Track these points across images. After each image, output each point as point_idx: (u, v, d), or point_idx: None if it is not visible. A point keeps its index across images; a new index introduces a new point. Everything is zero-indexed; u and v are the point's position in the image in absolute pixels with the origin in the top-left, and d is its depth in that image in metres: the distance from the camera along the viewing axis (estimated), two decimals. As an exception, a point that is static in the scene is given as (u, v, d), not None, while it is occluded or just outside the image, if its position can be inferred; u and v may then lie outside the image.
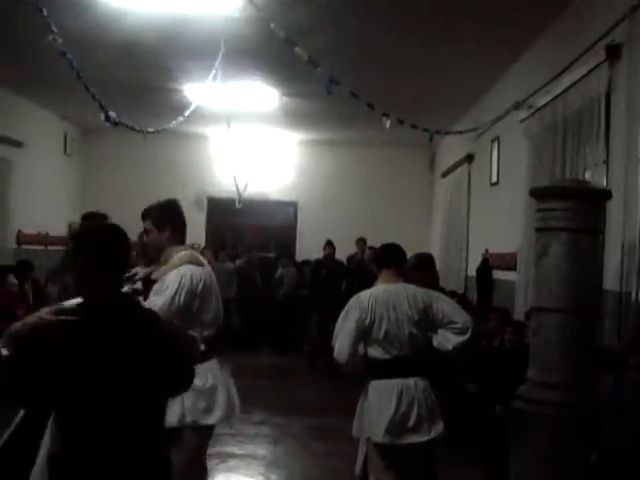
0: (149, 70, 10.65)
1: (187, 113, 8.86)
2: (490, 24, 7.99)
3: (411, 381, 5.10)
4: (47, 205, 14.31)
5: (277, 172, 16.89)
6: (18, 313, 10.65)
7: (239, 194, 12.16)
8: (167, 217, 4.95)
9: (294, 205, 17.17)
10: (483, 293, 10.18)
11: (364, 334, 5.13)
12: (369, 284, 5.56)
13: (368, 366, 5.18)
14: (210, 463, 7.28)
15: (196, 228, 15.92)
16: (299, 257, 16.21)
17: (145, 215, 4.99)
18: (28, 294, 11.90)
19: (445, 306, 5.28)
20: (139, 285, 4.88)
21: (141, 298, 4.61)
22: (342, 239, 14.38)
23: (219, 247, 16.41)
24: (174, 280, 4.64)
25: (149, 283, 4.78)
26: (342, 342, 5.13)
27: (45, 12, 4.61)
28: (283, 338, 14.31)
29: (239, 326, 14.75)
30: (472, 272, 11.07)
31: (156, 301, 4.52)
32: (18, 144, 12.98)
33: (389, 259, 5.48)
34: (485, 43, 8.62)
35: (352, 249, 14.21)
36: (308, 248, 15.87)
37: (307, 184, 16.81)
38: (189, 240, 12.59)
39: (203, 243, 16.35)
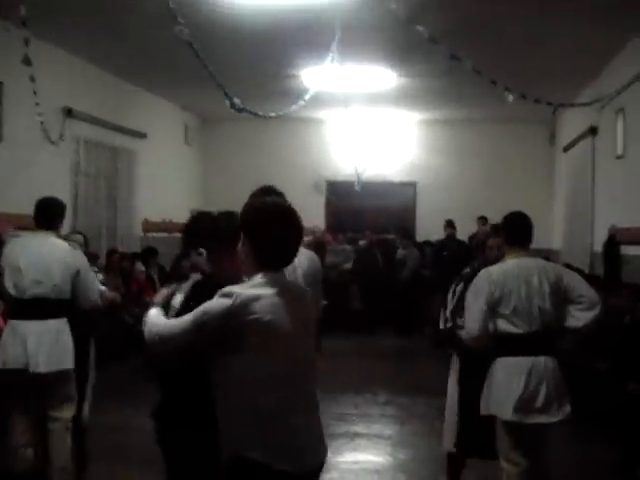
0: (267, 57, 10.77)
1: (307, 97, 8.91)
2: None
3: (541, 359, 4.98)
4: (170, 193, 14.65)
5: (395, 153, 16.82)
6: (147, 299, 10.99)
7: (358, 177, 12.23)
8: None
9: (413, 186, 17.08)
10: (611, 269, 9.94)
11: (494, 309, 5.02)
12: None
13: (496, 343, 5.06)
14: (337, 442, 7.41)
15: (315, 211, 16.07)
16: (419, 238, 16.15)
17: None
18: (155, 280, 12.25)
19: (574, 280, 5.13)
20: None
21: None
22: (463, 219, 14.28)
23: (338, 230, 16.53)
24: None
25: None
26: (473, 318, 5.07)
27: (171, 4, 4.70)
28: (405, 320, 14.28)
29: (360, 308, 14.84)
30: (598, 248, 10.82)
31: None
32: (142, 135, 13.34)
33: (516, 234, 5.31)
34: (607, 11, 8.37)
35: (473, 228, 14.07)
36: (428, 229, 15.81)
37: (425, 164, 16.70)
38: (308, 223, 12.81)
39: (323, 226, 16.49)
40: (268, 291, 3.22)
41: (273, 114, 8.33)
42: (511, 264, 5.13)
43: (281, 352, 3.23)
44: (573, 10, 8.38)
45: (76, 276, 6.04)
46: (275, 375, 3.22)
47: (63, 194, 10.55)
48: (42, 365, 5.91)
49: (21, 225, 8.73)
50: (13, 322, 6.00)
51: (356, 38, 9.04)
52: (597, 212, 11.73)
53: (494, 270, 5.13)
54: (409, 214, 17.03)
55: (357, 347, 12.64)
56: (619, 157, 10.39)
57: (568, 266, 10.46)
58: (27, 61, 5.75)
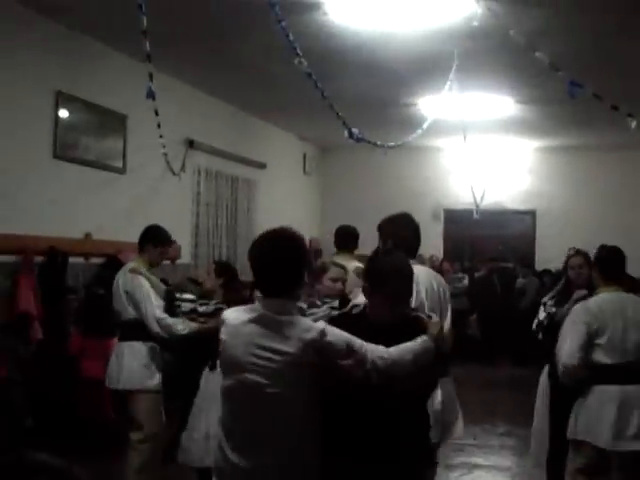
0: (384, 86, 10.80)
1: (425, 126, 8.89)
2: None
3: (632, 388, 5.13)
4: (288, 222, 14.62)
5: (513, 181, 16.62)
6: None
7: (476, 205, 12.10)
8: (390, 231, 4.99)
9: (532, 213, 16.81)
10: None
11: (591, 340, 5.17)
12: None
13: (590, 371, 5.19)
14: (454, 474, 7.32)
15: (434, 240, 15.97)
16: (539, 266, 15.86)
17: (379, 229, 5.07)
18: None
19: None
20: None
21: None
22: (584, 247, 13.91)
23: (456, 258, 16.40)
24: None
25: None
26: (572, 346, 5.19)
27: (291, 37, 4.76)
28: (523, 349, 14.01)
29: (479, 337, 14.66)
30: None
31: None
32: (261, 165, 13.54)
33: (613, 269, 5.49)
34: None
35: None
36: (548, 257, 15.48)
37: (545, 192, 16.43)
38: (427, 252, 12.62)
39: (441, 255, 16.38)
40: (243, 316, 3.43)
41: (392, 144, 8.33)
42: (608, 297, 5.33)
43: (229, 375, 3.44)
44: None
45: (129, 299, 6.29)
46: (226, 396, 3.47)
47: (184, 224, 10.87)
48: (114, 382, 6.39)
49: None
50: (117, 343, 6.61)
51: (474, 65, 8.99)
52: None
53: (592, 303, 5.33)
54: (528, 242, 16.75)
55: (475, 377, 12.46)
56: None
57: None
58: (151, 95, 5.90)
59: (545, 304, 6.15)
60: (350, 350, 3.31)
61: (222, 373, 3.47)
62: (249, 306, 3.49)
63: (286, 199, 14.92)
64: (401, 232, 5.00)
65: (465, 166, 12.48)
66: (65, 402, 7.55)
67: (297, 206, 15.61)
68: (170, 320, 6.20)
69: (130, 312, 6.31)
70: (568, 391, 5.40)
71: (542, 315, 6.01)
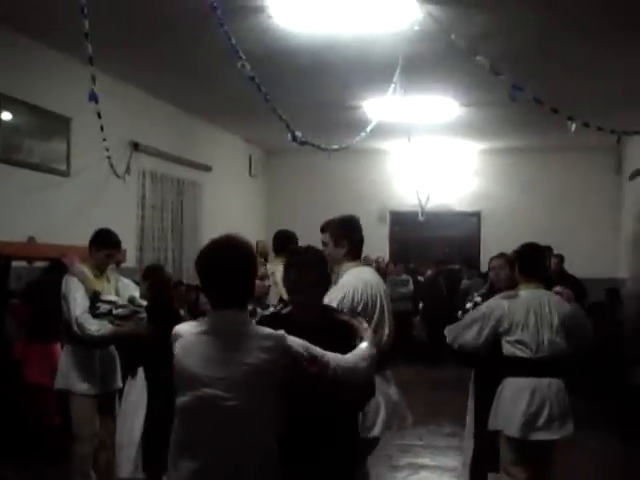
0: (329, 89, 10.86)
1: (369, 129, 8.94)
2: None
3: (545, 381, 5.41)
4: (235, 225, 14.68)
5: (458, 183, 16.77)
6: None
7: (421, 207, 12.17)
8: (345, 232, 5.03)
9: (477, 215, 16.98)
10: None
11: (499, 336, 5.49)
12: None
13: (504, 364, 5.50)
14: (401, 474, 7.38)
15: (379, 242, 16.07)
16: (484, 268, 16.00)
17: (325, 228, 5.10)
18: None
19: (580, 325, 5.69)
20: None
21: None
22: (527, 248, 14.10)
23: (401, 260, 16.49)
24: (334, 297, 4.59)
25: None
26: (471, 335, 5.62)
27: (233, 40, 4.77)
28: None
29: (424, 338, 14.77)
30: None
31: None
32: (207, 168, 13.51)
33: (531, 267, 5.69)
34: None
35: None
36: (493, 258, 15.65)
37: (489, 194, 16.62)
38: (374, 254, 12.68)
39: (387, 257, 16.47)
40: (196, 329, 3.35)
41: (336, 147, 8.37)
42: (523, 296, 5.55)
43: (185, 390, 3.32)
44: (637, 36, 8.29)
45: (63, 301, 6.32)
46: (183, 412, 3.34)
47: (129, 227, 10.79)
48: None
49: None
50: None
51: (418, 68, 9.05)
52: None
53: (506, 303, 5.54)
54: (473, 244, 16.92)
55: (421, 378, 12.56)
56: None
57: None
58: (94, 98, 5.87)
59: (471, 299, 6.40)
60: (312, 356, 3.28)
61: (177, 389, 3.34)
62: (201, 319, 3.38)
63: (232, 201, 14.90)
64: (357, 235, 5.11)
65: (410, 168, 12.56)
66: (6, 407, 7.46)
67: (243, 209, 15.60)
68: (84, 320, 6.16)
69: (65, 314, 6.30)
70: (490, 388, 5.64)
71: (468, 305, 6.19)
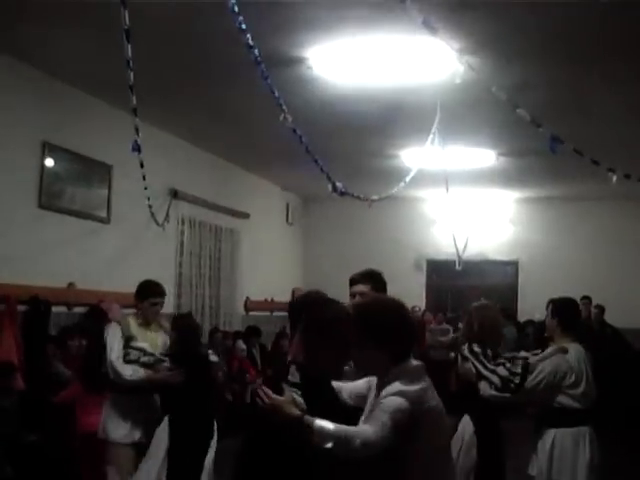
0: (367, 138, 10.93)
1: (408, 178, 8.98)
2: None
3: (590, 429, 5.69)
4: (272, 272, 14.80)
5: (495, 232, 16.73)
6: (249, 377, 11.08)
7: (459, 255, 12.15)
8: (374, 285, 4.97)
9: (514, 264, 16.89)
10: None
11: (560, 387, 5.62)
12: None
13: (558, 414, 5.66)
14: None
15: (416, 290, 16.04)
16: (522, 317, 15.88)
17: (355, 281, 5.06)
18: (256, 359, 12.33)
19: None
20: None
21: None
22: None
23: (438, 309, 16.40)
24: None
25: None
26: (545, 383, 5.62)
27: (276, 93, 4.83)
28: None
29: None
30: None
31: None
32: (245, 215, 13.59)
33: (574, 320, 5.99)
34: None
35: (578, 308, 13.80)
36: (531, 307, 15.52)
37: (527, 242, 16.53)
38: (410, 303, 12.63)
39: (423, 305, 16.40)
40: (419, 381, 3.42)
41: (375, 197, 8.40)
42: (576, 351, 5.74)
43: (445, 436, 3.54)
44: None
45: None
46: (443, 458, 3.48)
47: (168, 273, 10.86)
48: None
49: (128, 305, 8.96)
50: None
51: (457, 118, 9.11)
52: None
53: (570, 359, 5.68)
54: (511, 292, 16.78)
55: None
56: None
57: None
58: (137, 149, 5.96)
59: (500, 363, 5.85)
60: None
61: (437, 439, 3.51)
62: (406, 375, 3.43)
63: (269, 249, 14.95)
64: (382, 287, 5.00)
65: (447, 216, 12.56)
66: (61, 456, 7.39)
67: (280, 256, 15.64)
68: (118, 364, 6.25)
69: (105, 360, 6.36)
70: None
71: (505, 372, 5.71)
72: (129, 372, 6.21)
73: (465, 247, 12.44)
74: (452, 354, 14.99)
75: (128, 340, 6.34)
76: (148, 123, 9.70)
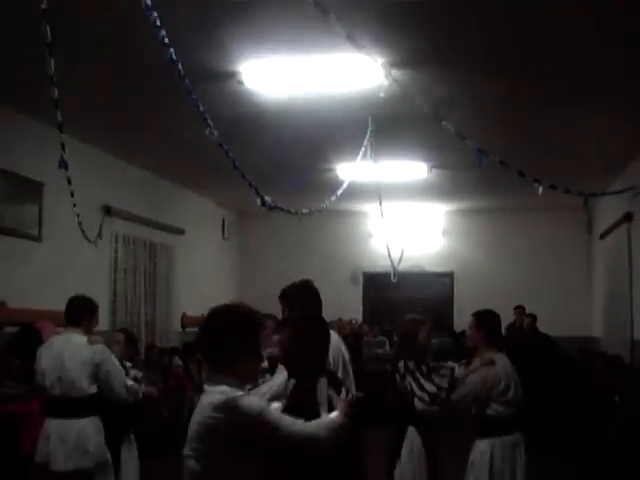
0: (301, 152, 10.96)
1: (339, 192, 9.04)
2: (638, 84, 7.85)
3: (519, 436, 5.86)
4: (208, 287, 14.74)
5: (430, 244, 16.90)
6: (188, 393, 11.02)
7: (394, 267, 12.23)
8: (299, 299, 5.00)
9: (450, 275, 17.07)
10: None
11: (490, 397, 5.76)
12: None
13: (491, 423, 5.80)
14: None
15: (353, 303, 16.12)
16: (458, 327, 16.03)
17: (282, 296, 5.11)
18: (194, 374, 12.25)
19: None
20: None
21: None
22: (500, 308, 14.14)
23: (375, 321, 16.47)
24: None
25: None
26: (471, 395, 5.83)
27: (201, 107, 4.83)
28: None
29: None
30: (638, 335, 10.70)
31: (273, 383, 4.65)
32: (180, 231, 13.54)
33: (497, 332, 6.27)
34: (636, 101, 8.45)
35: (511, 317, 14.02)
36: (466, 318, 15.64)
37: (461, 254, 16.73)
38: (347, 316, 12.68)
39: (360, 318, 16.48)
40: None
41: (305, 210, 8.43)
42: (502, 360, 5.92)
43: None
44: (603, 100, 8.46)
45: (96, 371, 6.19)
46: None
47: (102, 291, 10.75)
48: (59, 463, 6.05)
49: (61, 323, 8.86)
50: (47, 420, 6.18)
51: (388, 131, 9.18)
52: (635, 299, 11.61)
53: (499, 369, 5.84)
54: (447, 304, 16.95)
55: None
56: (655, 243, 10.35)
57: (604, 354, 10.48)
58: (64, 165, 5.90)
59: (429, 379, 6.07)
60: (263, 420, 3.28)
61: None
62: None
63: (205, 264, 14.92)
64: (308, 299, 5.07)
65: (383, 230, 12.66)
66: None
67: (216, 271, 15.61)
68: (132, 385, 6.37)
69: (91, 387, 6.24)
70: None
71: (433, 388, 5.94)
72: (141, 390, 6.33)
73: (400, 259, 12.54)
74: (388, 367, 15.15)
75: (120, 361, 6.41)
76: (79, 140, 9.66)
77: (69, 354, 6.25)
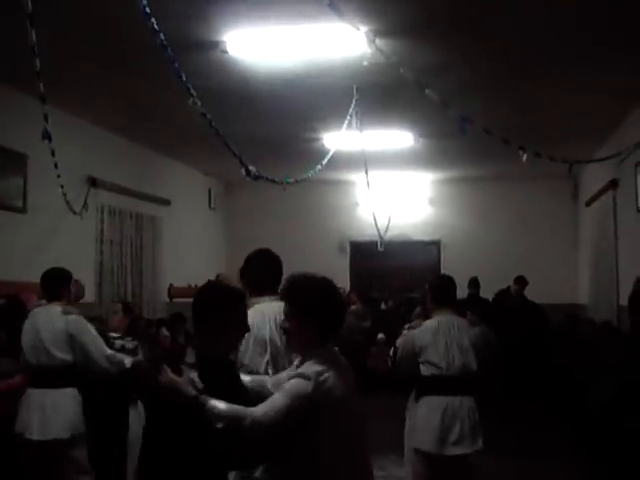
0: (287, 121, 10.91)
1: (325, 161, 9.02)
2: (625, 52, 7.83)
3: (457, 399, 5.94)
4: (195, 258, 14.73)
5: (417, 213, 16.90)
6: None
7: (381, 237, 12.26)
8: (245, 269, 4.91)
9: (437, 244, 17.10)
10: (637, 323, 9.84)
11: (416, 357, 6.04)
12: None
13: (421, 384, 6.08)
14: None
15: (340, 272, 16.09)
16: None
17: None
18: (182, 346, 12.24)
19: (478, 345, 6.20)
20: None
21: None
22: (486, 276, 14.24)
23: (363, 290, 16.51)
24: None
25: None
26: (401, 359, 6.18)
27: (184, 77, 4.80)
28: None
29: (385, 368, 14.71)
30: (624, 301, 10.74)
31: None
32: (166, 202, 13.50)
33: (442, 297, 6.33)
34: (621, 69, 8.44)
35: (498, 285, 14.09)
36: (453, 286, 15.73)
37: (447, 223, 16.75)
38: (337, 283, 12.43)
39: (348, 287, 16.51)
40: (333, 367, 3.42)
41: (290, 179, 8.41)
42: (434, 321, 6.17)
43: (351, 424, 3.47)
44: (588, 68, 8.45)
45: (71, 342, 6.19)
46: (349, 446, 3.46)
47: (88, 262, 10.73)
48: (35, 433, 6.07)
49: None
50: (27, 390, 6.28)
51: (373, 100, 9.16)
52: (621, 265, 11.67)
53: (417, 330, 6.19)
54: (433, 272, 16.92)
55: (382, 408, 12.51)
56: (640, 210, 10.37)
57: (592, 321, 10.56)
58: (47, 137, 5.86)
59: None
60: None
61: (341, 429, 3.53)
62: (322, 357, 3.49)
63: (192, 235, 14.89)
64: (253, 269, 4.91)
65: (369, 199, 12.65)
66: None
67: (203, 241, 15.59)
68: (115, 355, 6.35)
69: (66, 357, 6.24)
70: None
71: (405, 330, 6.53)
72: (127, 361, 6.29)
73: (387, 228, 12.58)
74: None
75: (103, 331, 6.39)
76: (64, 111, 9.59)
77: (43, 324, 6.32)
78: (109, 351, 6.39)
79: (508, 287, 14.14)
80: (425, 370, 6.04)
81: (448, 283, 6.49)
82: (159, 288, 13.26)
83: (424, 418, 5.96)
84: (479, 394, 6.16)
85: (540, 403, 11.66)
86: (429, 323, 6.18)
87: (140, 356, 6.70)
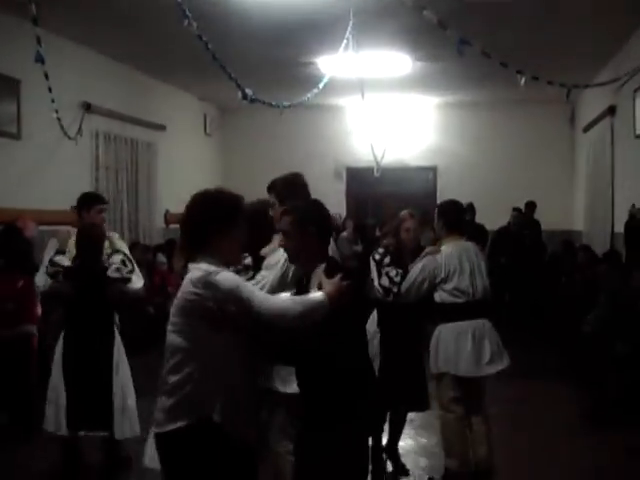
0: (282, 45, 10.78)
1: (321, 85, 8.93)
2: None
3: (480, 322, 5.96)
4: (191, 184, 14.48)
5: (414, 138, 16.79)
6: (170, 290, 11.06)
7: (377, 163, 12.21)
8: (290, 191, 4.87)
9: (433, 170, 17.03)
10: (632, 250, 9.89)
11: (437, 285, 5.93)
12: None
13: (441, 311, 5.98)
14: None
15: (336, 198, 16.08)
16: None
17: (270, 188, 5.02)
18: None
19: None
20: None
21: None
22: (482, 201, 14.22)
23: (359, 216, 16.50)
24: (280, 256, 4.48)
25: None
26: (414, 287, 5.92)
27: (181, -1, 4.74)
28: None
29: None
30: (619, 228, 10.77)
31: (268, 277, 4.54)
32: (161, 127, 13.41)
33: (456, 221, 6.22)
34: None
35: (493, 212, 14.12)
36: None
37: (445, 148, 16.63)
38: (331, 211, 12.68)
39: (344, 213, 16.51)
40: None
41: (287, 103, 8.34)
42: (454, 248, 6.03)
43: None
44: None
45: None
46: None
47: (84, 188, 10.62)
48: None
49: (43, 221, 8.83)
50: None
51: (370, 23, 9.03)
52: (617, 192, 11.66)
53: (439, 257, 5.97)
54: (430, 198, 16.92)
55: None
56: (638, 136, 10.31)
57: (587, 248, 10.58)
58: (40, 59, 5.79)
59: (386, 272, 6.07)
60: (236, 297, 3.40)
61: None
62: None
63: (187, 160, 14.84)
64: (302, 192, 4.94)
65: (366, 124, 12.57)
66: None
67: (198, 167, 15.53)
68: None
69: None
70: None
71: (386, 282, 5.99)
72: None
73: (383, 154, 12.50)
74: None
75: (56, 254, 6.28)
76: (57, 35, 9.48)
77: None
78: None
79: (508, 223, 14.17)
80: (447, 297, 5.94)
81: (460, 208, 6.44)
82: (155, 214, 13.25)
83: (452, 344, 5.90)
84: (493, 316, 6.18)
85: (536, 328, 11.80)
86: (450, 250, 6.01)
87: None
